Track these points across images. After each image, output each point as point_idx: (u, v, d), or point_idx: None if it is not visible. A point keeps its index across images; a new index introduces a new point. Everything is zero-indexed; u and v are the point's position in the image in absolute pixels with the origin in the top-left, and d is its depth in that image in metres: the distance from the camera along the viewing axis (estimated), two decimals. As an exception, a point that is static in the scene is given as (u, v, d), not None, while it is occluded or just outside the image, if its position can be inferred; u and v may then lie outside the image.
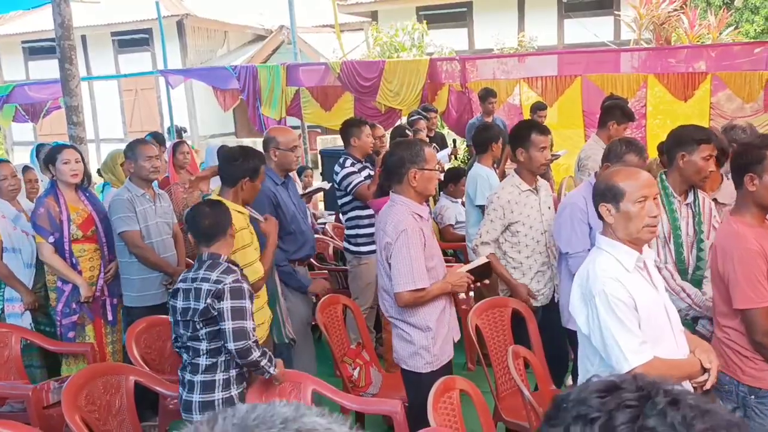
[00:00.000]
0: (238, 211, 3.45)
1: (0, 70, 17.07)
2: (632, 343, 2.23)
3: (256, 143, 13.88)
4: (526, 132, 3.85)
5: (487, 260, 3.46)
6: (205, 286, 2.93)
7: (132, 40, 15.72)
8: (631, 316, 2.25)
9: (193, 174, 6.59)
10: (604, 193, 2.37)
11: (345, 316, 4.29)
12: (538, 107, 7.28)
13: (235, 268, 3.06)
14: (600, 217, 2.42)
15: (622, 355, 2.23)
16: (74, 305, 4.12)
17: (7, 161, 4.85)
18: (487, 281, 3.47)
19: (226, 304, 2.91)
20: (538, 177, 4.01)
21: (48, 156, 4.24)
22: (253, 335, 2.96)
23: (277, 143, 4.06)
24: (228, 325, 2.91)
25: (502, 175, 5.14)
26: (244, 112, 11.74)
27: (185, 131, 7.65)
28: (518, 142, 3.87)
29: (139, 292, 4.22)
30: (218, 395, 3.00)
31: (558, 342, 3.87)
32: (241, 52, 15.91)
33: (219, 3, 16.83)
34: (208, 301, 2.91)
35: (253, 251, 3.58)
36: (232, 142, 15.36)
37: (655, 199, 2.37)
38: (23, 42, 16.46)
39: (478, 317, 3.69)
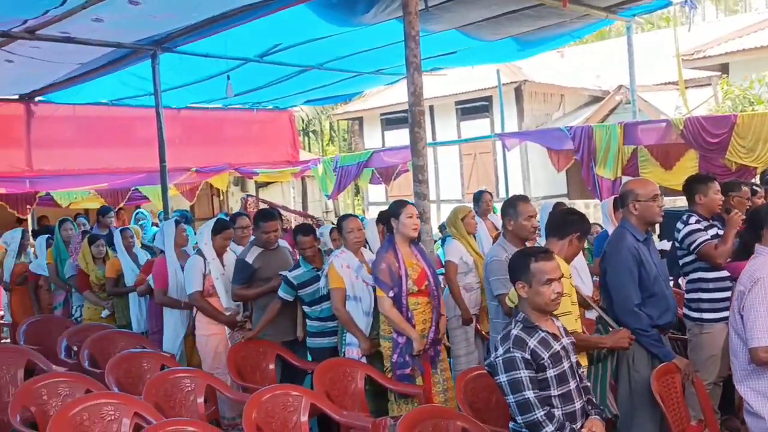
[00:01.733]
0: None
1: (362, 139, 19.53)
2: None
3: (588, 205, 13.59)
4: None
5: None
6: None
7: (473, 107, 16.80)
8: None
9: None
10: None
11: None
12: None
13: (532, 326, 2.92)
14: None
15: None
16: (407, 357, 4.30)
17: (355, 216, 5.34)
18: None
19: (502, 378, 2.84)
20: None
21: (392, 210, 4.49)
22: (544, 407, 2.79)
23: (636, 195, 3.83)
24: (510, 398, 2.83)
25: None
26: (577, 173, 11.64)
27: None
28: None
29: None
30: None
31: None
32: (577, 115, 15.92)
33: (556, 68, 17.15)
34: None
35: (570, 304, 3.46)
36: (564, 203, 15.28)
37: None
38: (381, 114, 18.66)
39: None
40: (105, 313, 6.71)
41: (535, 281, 2.92)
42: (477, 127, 16.29)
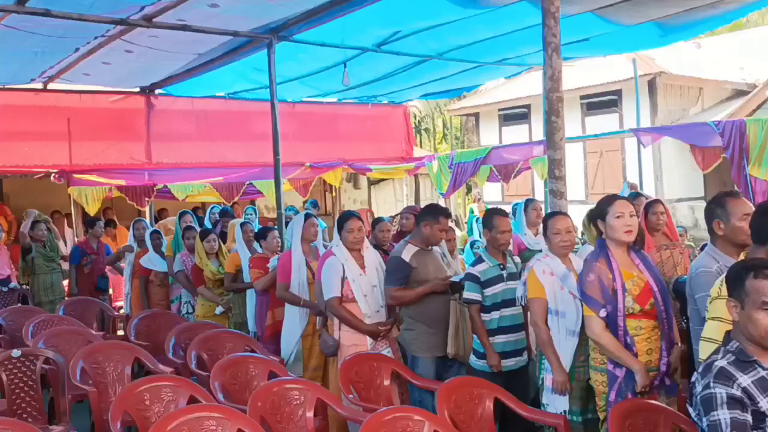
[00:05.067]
0: None
1: (478, 135, 18.83)
2: None
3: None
4: None
5: None
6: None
7: (600, 102, 15.69)
8: None
9: (671, 237, 5.87)
10: None
11: None
12: None
13: (749, 360, 2.23)
14: None
15: None
16: (629, 396, 3.36)
17: (566, 214, 4.35)
18: None
19: (704, 425, 2.18)
20: None
21: (598, 209, 3.62)
22: None
23: None
24: None
25: None
26: (716, 173, 10.49)
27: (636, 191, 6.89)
28: None
29: None
30: None
31: None
32: (718, 110, 14.53)
33: (692, 59, 15.79)
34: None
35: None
36: (700, 206, 14.00)
37: None
38: (499, 109, 17.86)
39: None
40: (219, 310, 6.52)
41: (749, 302, 2.25)
42: (603, 122, 15.17)
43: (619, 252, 3.50)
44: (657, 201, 5.98)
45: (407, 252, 4.62)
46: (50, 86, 9.65)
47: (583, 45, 9.02)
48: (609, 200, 3.57)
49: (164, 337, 5.82)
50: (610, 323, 3.41)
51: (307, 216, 5.67)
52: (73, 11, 6.05)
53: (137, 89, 10.58)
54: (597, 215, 3.56)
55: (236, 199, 10.80)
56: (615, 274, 3.41)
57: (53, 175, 9.34)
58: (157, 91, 10.71)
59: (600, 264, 3.44)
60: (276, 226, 7.17)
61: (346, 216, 4.86)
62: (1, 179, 11.50)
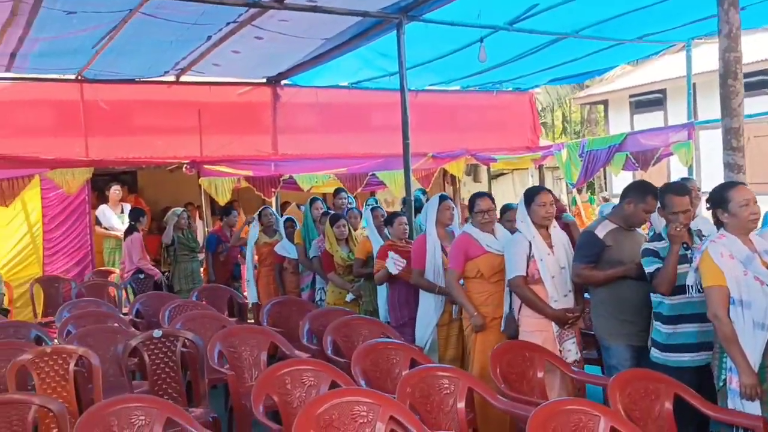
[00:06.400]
0: None
1: (607, 123, 17.87)
2: None
3: None
4: None
5: None
6: None
7: (749, 83, 14.36)
8: None
9: None
10: None
11: None
12: None
13: None
14: None
15: None
16: None
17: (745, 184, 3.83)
18: None
19: None
20: None
21: None
22: None
23: None
24: None
25: None
26: None
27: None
28: None
29: None
30: None
31: None
32: None
33: None
34: None
35: None
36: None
37: None
38: (630, 96, 16.83)
39: None
40: (349, 297, 6.35)
41: None
42: (753, 105, 13.88)
43: None
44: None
45: (602, 228, 4.19)
46: (181, 79, 9.84)
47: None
48: None
49: (295, 324, 5.70)
50: None
51: (442, 198, 5.38)
52: (207, -6, 6.03)
53: (263, 80, 10.63)
54: None
55: (359, 190, 10.65)
56: None
57: (185, 166, 9.49)
58: (282, 82, 10.72)
59: None
60: (404, 212, 6.92)
61: (536, 189, 4.51)
62: (137, 172, 11.90)
